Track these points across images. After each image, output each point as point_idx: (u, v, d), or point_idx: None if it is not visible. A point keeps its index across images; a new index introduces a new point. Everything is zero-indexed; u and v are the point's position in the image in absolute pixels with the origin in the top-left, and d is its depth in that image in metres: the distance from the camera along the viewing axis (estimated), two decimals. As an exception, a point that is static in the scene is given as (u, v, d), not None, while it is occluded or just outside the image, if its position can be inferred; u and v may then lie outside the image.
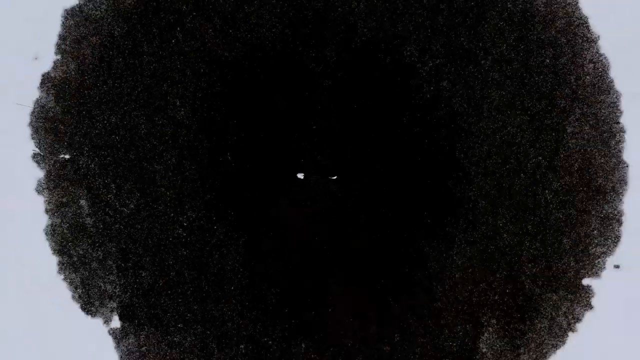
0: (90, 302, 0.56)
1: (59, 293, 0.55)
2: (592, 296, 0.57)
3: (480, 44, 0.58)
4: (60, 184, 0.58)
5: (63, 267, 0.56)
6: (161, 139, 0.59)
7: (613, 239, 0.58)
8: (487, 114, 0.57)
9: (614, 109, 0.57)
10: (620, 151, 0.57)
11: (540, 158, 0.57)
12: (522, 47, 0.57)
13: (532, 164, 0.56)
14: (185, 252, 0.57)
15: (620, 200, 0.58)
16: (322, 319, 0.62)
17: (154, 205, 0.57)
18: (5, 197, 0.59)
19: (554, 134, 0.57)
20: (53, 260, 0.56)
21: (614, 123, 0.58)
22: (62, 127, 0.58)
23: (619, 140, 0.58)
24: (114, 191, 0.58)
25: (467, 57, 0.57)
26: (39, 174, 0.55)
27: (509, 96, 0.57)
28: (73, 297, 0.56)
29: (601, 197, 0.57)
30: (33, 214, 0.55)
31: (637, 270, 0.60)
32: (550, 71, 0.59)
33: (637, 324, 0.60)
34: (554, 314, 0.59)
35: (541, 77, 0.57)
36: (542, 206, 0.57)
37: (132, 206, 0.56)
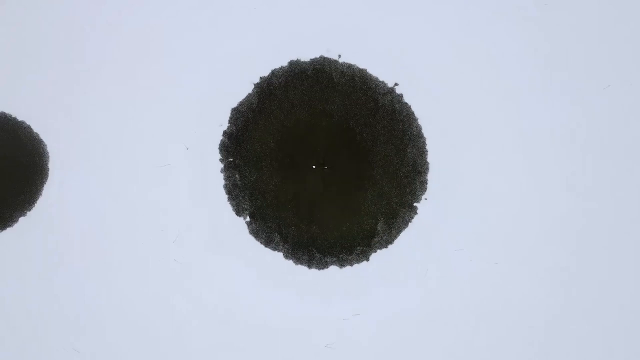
0: (239, 212, 1.07)
1: (228, 208, 1.15)
2: (417, 209, 1.10)
3: (377, 124, 1.12)
4: (228, 169, 1.09)
5: (229, 198, 1.12)
6: (265, 151, 1.12)
7: (424, 189, 1.12)
8: (379, 148, 1.11)
9: (424, 145, 1.12)
10: (426, 157, 1.13)
11: (397, 161, 1.11)
12: (390, 126, 1.11)
13: (395, 163, 1.10)
14: (273, 194, 1.16)
15: (427, 175, 1.12)
16: (317, 215, 1.16)
17: (262, 176, 1.11)
18: (214, 174, 1.12)
19: (402, 154, 1.10)
20: (225, 196, 1.13)
21: (424, 149, 1.12)
22: (229, 150, 1.16)
23: (425, 155, 1.12)
24: (247, 171, 1.10)
25: (372, 129, 1.13)
26: (221, 165, 1.12)
27: (388, 141, 1.11)
28: (233, 210, 1.09)
29: (419, 174, 1.11)
30: (220, 181, 1.14)
31: (432, 199, 1.13)
32: (400, 135, 1.12)
33: (430, 217, 1.13)
34: (403, 215, 1.12)
35: (397, 134, 1.16)
36: (398, 177, 1.11)
37: (254, 177, 1.13)
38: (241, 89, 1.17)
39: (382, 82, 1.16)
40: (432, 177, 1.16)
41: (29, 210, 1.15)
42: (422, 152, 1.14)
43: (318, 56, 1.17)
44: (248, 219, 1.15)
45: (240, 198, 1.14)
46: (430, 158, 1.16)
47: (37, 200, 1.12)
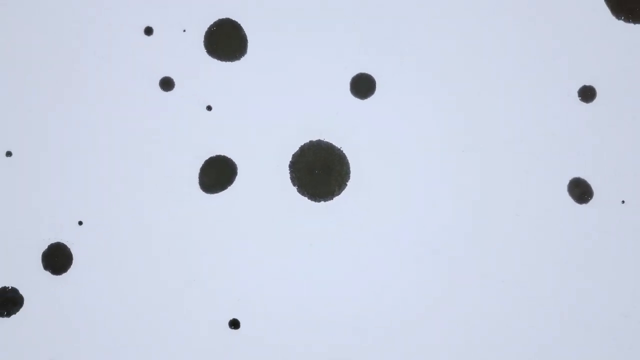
0: (294, 184, 2.20)
1: (290, 186, 2.25)
2: (347, 185, 2.23)
3: (335, 158, 2.22)
4: (291, 171, 2.21)
5: (292, 182, 2.24)
6: (302, 168, 2.29)
7: (348, 179, 2.28)
8: (336, 166, 2.21)
9: (349, 167, 2.22)
10: (349, 169, 2.24)
11: (340, 170, 2.20)
12: (339, 159, 2.25)
13: (340, 171, 2.20)
14: (306, 181, 2.22)
15: (349, 175, 2.26)
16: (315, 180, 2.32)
17: (301, 175, 2.20)
18: (285, 176, 2.23)
19: (342, 168, 2.20)
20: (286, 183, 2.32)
21: (349, 167, 2.23)
22: (291, 166, 2.16)
23: (349, 168, 2.24)
24: (298, 174, 2.21)
25: (334, 161, 2.28)
26: (289, 172, 2.28)
27: (338, 163, 2.19)
28: (292, 184, 2.26)
29: (347, 174, 2.20)
30: (288, 177, 2.18)
31: (351, 184, 2.27)
32: (342, 162, 2.26)
33: (350, 189, 2.26)
34: (343, 187, 2.28)
35: (341, 161, 2.26)
36: (341, 175, 2.24)
37: (300, 175, 2.11)
38: (296, 146, 2.46)
39: (338, 147, 2.42)
40: (352, 177, 2.43)
41: (230, 185, 2.71)
42: (348, 167, 2.39)
43: (318, 139, 2.36)
44: (297, 187, 2.42)
45: (296, 182, 2.42)
46: (352, 169, 2.41)
47: (234, 180, 2.67)
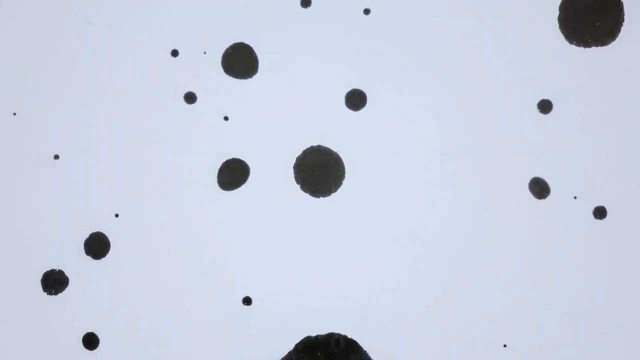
0: (298, 183, 2.58)
1: (295, 186, 2.58)
2: (342, 184, 2.49)
3: (331, 163, 2.49)
4: (296, 172, 2.50)
5: (295, 179, 2.47)
6: (304, 170, 2.52)
7: (343, 179, 2.53)
8: (333, 168, 2.52)
9: (344, 170, 2.58)
10: (345, 169, 2.50)
11: (336, 171, 2.47)
12: (336, 165, 2.54)
13: (336, 172, 2.49)
14: (309, 180, 2.54)
15: (344, 176, 2.55)
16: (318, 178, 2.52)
17: (305, 175, 2.50)
18: (290, 176, 2.51)
19: (338, 169, 2.48)
20: (290, 182, 2.50)
21: (344, 169, 2.52)
22: (295, 167, 2.65)
23: (345, 168, 2.57)
24: (304, 175, 2.51)
25: (330, 163, 2.58)
26: (293, 173, 2.83)
27: (335, 165, 2.47)
28: (296, 183, 2.49)
29: (343, 174, 2.46)
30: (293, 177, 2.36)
31: (346, 184, 2.56)
32: (338, 162, 2.49)
33: (345, 187, 2.58)
34: (339, 186, 2.52)
35: (338, 162, 2.60)
36: (337, 176, 2.53)
37: (304, 175, 2.42)
38: (299, 150, 2.66)
39: (335, 151, 2.57)
40: (348, 177, 2.64)
41: (244, 184, 2.93)
42: (344, 168, 2.59)
43: (318, 144, 2.55)
44: (300, 185, 2.65)
45: (299, 181, 2.62)
46: (348, 170, 2.58)
47: (247, 179, 2.79)
